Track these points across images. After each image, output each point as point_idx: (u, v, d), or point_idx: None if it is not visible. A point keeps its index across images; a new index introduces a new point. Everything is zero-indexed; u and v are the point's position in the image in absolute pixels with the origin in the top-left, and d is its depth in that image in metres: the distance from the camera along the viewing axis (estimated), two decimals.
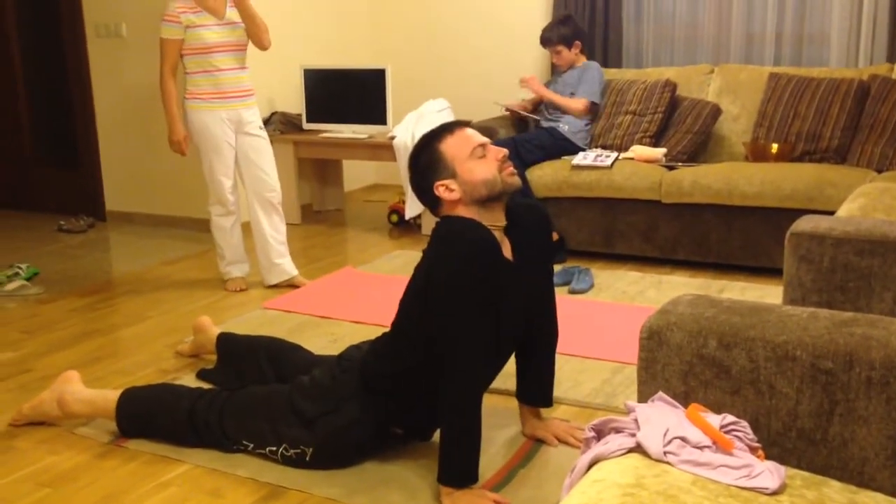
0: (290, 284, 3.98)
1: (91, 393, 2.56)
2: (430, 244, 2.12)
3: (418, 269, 2.15)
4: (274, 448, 2.31)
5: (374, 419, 2.27)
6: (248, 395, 2.43)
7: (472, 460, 2.07)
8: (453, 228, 2.08)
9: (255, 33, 3.78)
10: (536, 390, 2.45)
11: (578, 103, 4.59)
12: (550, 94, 4.63)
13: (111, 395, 2.52)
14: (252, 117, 3.88)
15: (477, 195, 2.14)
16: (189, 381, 2.91)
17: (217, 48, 3.76)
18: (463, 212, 2.14)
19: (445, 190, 2.14)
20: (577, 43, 4.63)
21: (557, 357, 3.01)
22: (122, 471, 2.33)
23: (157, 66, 5.42)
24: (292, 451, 2.29)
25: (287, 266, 3.98)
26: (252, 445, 2.35)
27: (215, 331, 2.98)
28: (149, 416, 2.48)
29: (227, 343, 2.87)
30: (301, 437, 2.27)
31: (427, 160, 2.16)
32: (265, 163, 3.88)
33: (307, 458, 2.28)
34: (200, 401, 2.42)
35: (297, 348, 2.77)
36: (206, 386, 2.72)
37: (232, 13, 3.78)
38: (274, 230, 3.94)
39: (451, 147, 2.15)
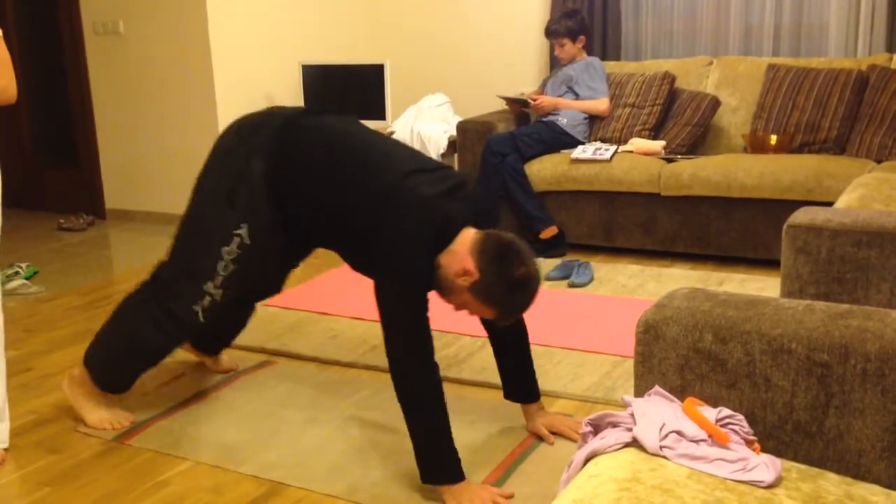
0: None
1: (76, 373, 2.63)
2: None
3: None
4: (223, 262, 2.35)
5: None
6: (175, 250, 2.48)
7: (444, 454, 2.08)
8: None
9: None
10: (521, 387, 2.44)
11: (602, 104, 4.59)
12: (570, 103, 4.60)
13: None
14: None
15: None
16: (192, 376, 2.93)
17: None
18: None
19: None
20: (582, 38, 4.62)
21: (558, 351, 3.03)
22: (124, 469, 2.34)
23: (156, 62, 5.43)
24: (234, 245, 2.34)
25: None
26: (210, 284, 2.39)
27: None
28: (117, 357, 2.54)
29: None
30: (228, 221, 2.33)
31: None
32: None
33: (248, 241, 2.33)
34: (150, 303, 2.46)
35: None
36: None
37: None
38: None
39: None
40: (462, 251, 2.07)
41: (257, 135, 2.36)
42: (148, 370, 2.59)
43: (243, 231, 2.33)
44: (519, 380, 2.43)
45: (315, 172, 2.28)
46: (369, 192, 2.18)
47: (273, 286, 2.77)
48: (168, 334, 2.46)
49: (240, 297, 2.64)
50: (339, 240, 2.33)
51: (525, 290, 2.06)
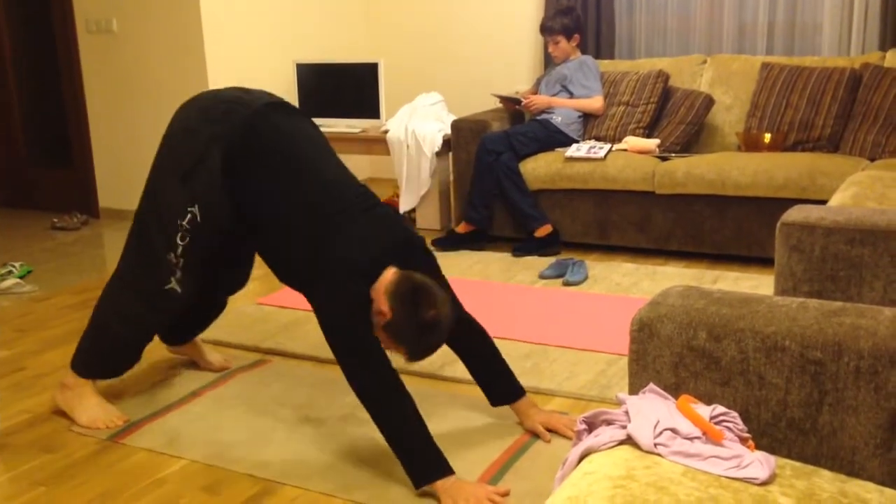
0: None
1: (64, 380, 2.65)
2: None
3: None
4: (180, 233, 2.40)
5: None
6: (136, 230, 2.53)
7: (423, 452, 2.09)
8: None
9: None
10: (501, 388, 2.44)
11: (596, 102, 4.59)
12: (564, 102, 4.59)
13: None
14: None
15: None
16: (186, 375, 2.92)
17: None
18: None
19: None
20: (577, 36, 4.62)
21: (552, 350, 3.03)
22: (118, 468, 2.33)
23: (150, 61, 5.41)
24: (186, 221, 2.39)
25: None
26: (172, 255, 2.43)
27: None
28: (100, 351, 2.59)
29: None
30: (183, 199, 2.38)
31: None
32: None
33: (199, 220, 2.38)
34: (122, 294, 2.53)
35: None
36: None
37: None
38: None
39: None
40: (379, 291, 2.14)
41: (222, 122, 2.37)
42: (137, 355, 2.62)
43: (195, 209, 2.38)
44: (495, 381, 2.43)
45: (273, 175, 2.32)
46: (323, 213, 2.25)
47: (238, 275, 2.84)
48: (140, 320, 2.50)
49: (206, 278, 2.66)
50: (278, 244, 2.35)
51: (434, 332, 2.12)
